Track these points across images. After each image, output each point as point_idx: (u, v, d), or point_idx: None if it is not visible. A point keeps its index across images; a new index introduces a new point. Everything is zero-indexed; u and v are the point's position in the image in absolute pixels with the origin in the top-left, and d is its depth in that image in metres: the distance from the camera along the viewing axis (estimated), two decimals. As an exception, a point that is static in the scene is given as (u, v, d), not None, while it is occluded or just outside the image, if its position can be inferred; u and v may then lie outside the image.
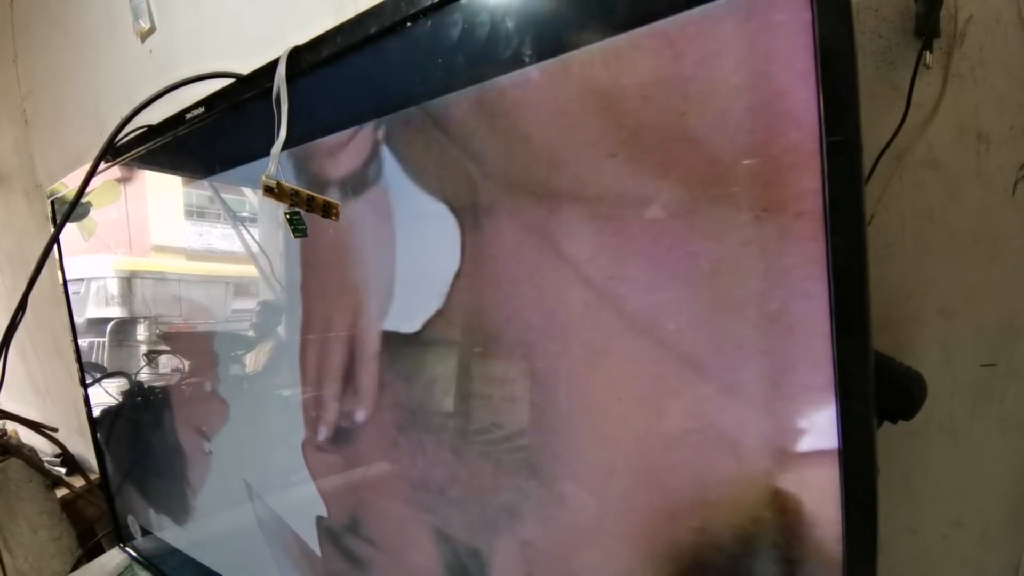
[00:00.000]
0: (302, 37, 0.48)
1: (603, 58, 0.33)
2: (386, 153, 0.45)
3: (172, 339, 0.80)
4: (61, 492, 1.25)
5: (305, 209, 0.46)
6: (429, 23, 0.40)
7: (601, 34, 0.32)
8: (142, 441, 0.91)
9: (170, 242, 0.77)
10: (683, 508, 0.33)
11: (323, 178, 0.50)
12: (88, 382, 0.99)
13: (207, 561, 0.81)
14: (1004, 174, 0.41)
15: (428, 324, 0.44)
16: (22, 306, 0.59)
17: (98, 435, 1.02)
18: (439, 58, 0.40)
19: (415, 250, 0.45)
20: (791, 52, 0.27)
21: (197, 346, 0.74)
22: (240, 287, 0.67)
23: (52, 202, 0.93)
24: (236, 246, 0.64)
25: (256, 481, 0.68)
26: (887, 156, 0.43)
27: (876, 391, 0.27)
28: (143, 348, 0.87)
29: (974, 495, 0.46)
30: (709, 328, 0.31)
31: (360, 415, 0.51)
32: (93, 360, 0.98)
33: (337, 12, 0.68)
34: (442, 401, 0.44)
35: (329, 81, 0.48)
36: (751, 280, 0.29)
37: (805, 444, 0.29)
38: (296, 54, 0.48)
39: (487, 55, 0.37)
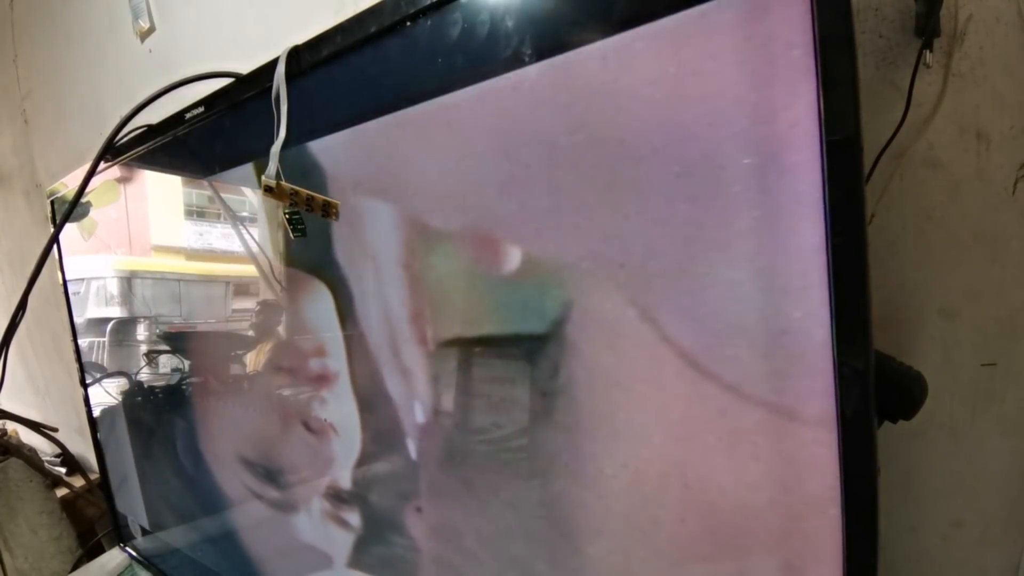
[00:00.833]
0: (302, 37, 0.48)
1: (603, 57, 0.33)
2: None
3: (182, 339, 0.80)
4: (61, 492, 1.25)
5: (305, 209, 0.46)
6: (429, 23, 0.40)
7: (600, 33, 0.32)
8: (142, 439, 0.91)
9: (170, 242, 0.77)
10: (687, 511, 0.33)
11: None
12: (88, 382, 0.99)
13: (207, 561, 0.81)
14: (1004, 173, 0.41)
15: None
16: (22, 306, 0.59)
17: (98, 435, 1.02)
18: (439, 58, 0.40)
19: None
20: (791, 51, 0.27)
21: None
22: (240, 286, 0.67)
23: (52, 202, 0.93)
24: (236, 246, 0.64)
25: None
26: (887, 155, 0.43)
27: (876, 391, 0.27)
28: (143, 348, 0.87)
29: (974, 495, 0.46)
30: (705, 325, 0.31)
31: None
32: (93, 360, 0.98)
33: (337, 12, 0.68)
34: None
35: (329, 81, 0.48)
36: (751, 282, 0.29)
37: (805, 443, 0.29)
38: (296, 54, 0.48)
39: (487, 54, 0.37)
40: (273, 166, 0.45)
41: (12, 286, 1.65)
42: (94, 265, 0.94)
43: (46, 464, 1.27)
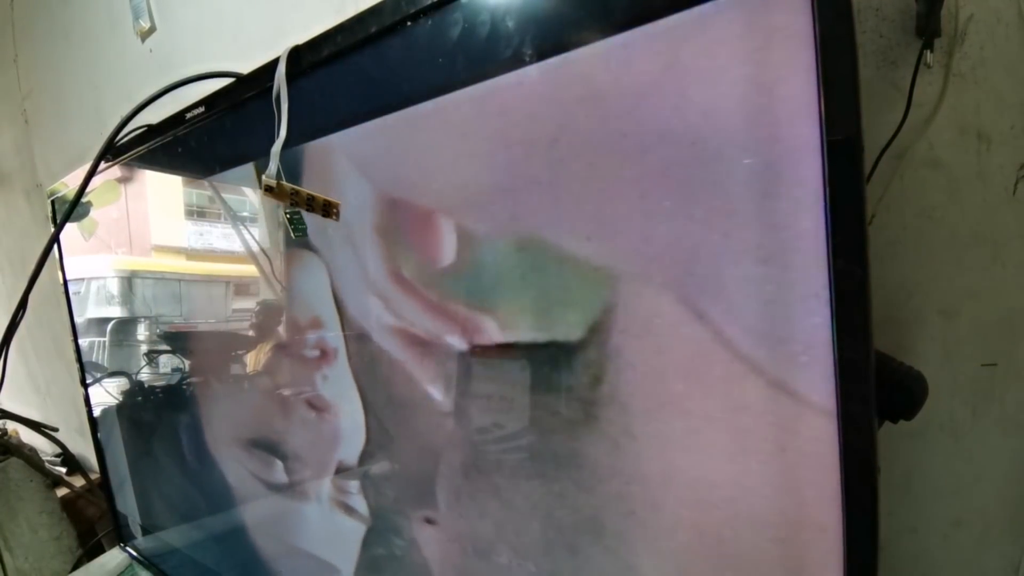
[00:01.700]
0: (302, 36, 0.48)
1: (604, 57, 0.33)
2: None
3: (183, 338, 0.80)
4: (61, 492, 1.25)
5: (305, 208, 0.46)
6: (429, 22, 0.40)
7: (602, 33, 0.32)
8: (142, 439, 0.91)
9: (170, 242, 0.77)
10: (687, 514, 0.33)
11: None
12: (88, 382, 0.99)
13: (207, 561, 0.81)
14: (1005, 173, 0.41)
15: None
16: (22, 305, 0.59)
17: (98, 435, 1.02)
18: (440, 57, 0.40)
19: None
20: (792, 51, 0.27)
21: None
22: (240, 286, 0.67)
23: (52, 202, 0.93)
24: (236, 245, 0.64)
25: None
26: (888, 155, 0.43)
27: (877, 391, 0.27)
28: (143, 347, 0.87)
29: (975, 495, 0.46)
30: (706, 325, 0.31)
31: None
32: (93, 360, 0.98)
33: (337, 11, 0.68)
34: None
35: (329, 80, 0.48)
36: (752, 282, 0.29)
37: (806, 443, 0.29)
38: (296, 53, 0.48)
39: (488, 54, 0.37)
40: (274, 166, 0.45)
41: (13, 286, 1.65)
42: (94, 265, 0.94)
43: (46, 464, 1.27)
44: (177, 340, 0.79)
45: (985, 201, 0.42)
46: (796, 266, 0.28)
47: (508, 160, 0.38)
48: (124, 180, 0.81)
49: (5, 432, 1.31)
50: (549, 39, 0.35)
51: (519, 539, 0.42)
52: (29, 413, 1.37)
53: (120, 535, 1.04)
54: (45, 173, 1.39)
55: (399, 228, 0.46)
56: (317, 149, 0.50)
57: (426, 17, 0.40)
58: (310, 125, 0.50)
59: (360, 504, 0.55)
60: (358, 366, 0.52)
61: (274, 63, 0.49)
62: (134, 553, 0.99)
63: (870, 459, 0.27)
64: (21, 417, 1.27)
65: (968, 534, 0.46)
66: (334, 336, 0.53)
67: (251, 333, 0.65)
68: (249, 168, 0.58)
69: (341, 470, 0.56)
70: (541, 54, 0.35)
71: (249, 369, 0.67)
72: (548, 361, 0.38)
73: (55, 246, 0.68)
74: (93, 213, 0.90)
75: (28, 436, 1.36)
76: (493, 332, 0.40)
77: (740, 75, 0.28)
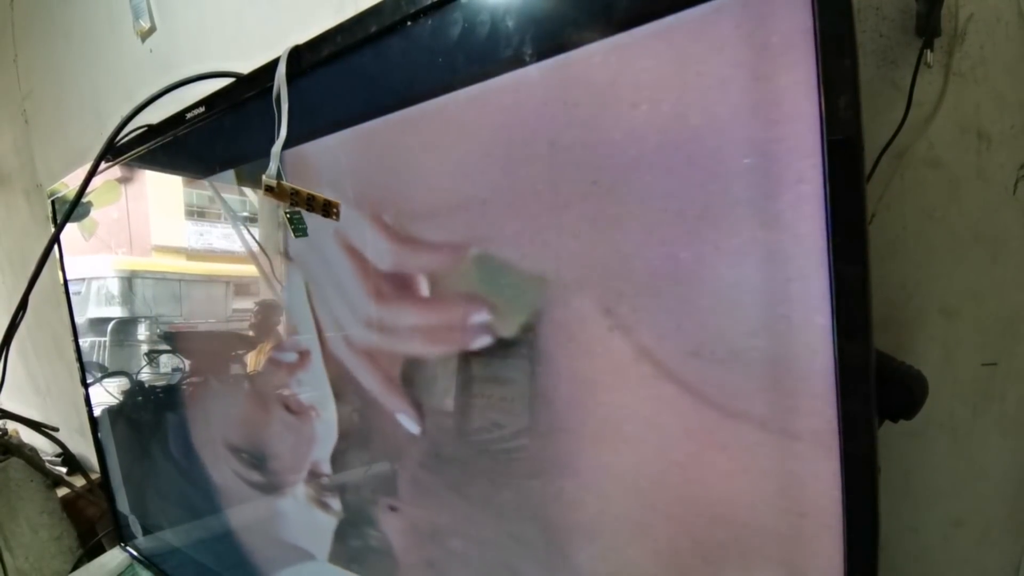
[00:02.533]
0: (302, 36, 0.48)
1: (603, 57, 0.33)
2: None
3: (178, 338, 0.80)
4: (62, 491, 1.25)
5: (305, 208, 0.46)
6: (429, 22, 0.40)
7: (602, 32, 0.32)
8: (142, 438, 0.91)
9: (171, 242, 0.77)
10: (685, 516, 0.33)
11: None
12: (89, 382, 0.99)
13: (208, 561, 0.81)
14: (1005, 173, 0.41)
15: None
16: (23, 306, 0.60)
17: (99, 434, 1.02)
18: (440, 57, 0.40)
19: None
20: (792, 51, 0.27)
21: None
22: (240, 286, 0.67)
23: (53, 202, 0.93)
24: (237, 245, 0.64)
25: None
26: (888, 155, 0.43)
27: (877, 390, 0.27)
28: (144, 347, 0.87)
29: (975, 494, 0.46)
30: (706, 326, 0.31)
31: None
32: (94, 360, 0.98)
33: (337, 11, 0.68)
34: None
35: (329, 80, 0.48)
36: (751, 280, 0.29)
37: (806, 443, 0.29)
38: (296, 53, 0.48)
39: (488, 54, 0.37)
40: (274, 166, 0.45)
41: (13, 286, 1.65)
42: (95, 265, 0.94)
43: (47, 464, 1.27)
44: (177, 340, 0.79)
45: (985, 200, 0.42)
46: (797, 265, 0.28)
47: (462, 174, 0.41)
48: (124, 180, 0.81)
49: (5, 432, 1.31)
50: (548, 39, 0.35)
51: (468, 524, 0.45)
52: (29, 413, 1.37)
53: (120, 535, 1.04)
54: (45, 173, 1.39)
55: (364, 237, 0.48)
56: (292, 156, 0.51)
57: (426, 17, 0.40)
58: (310, 125, 0.50)
59: (332, 498, 0.58)
60: (332, 369, 0.54)
61: (274, 63, 0.49)
62: (134, 553, 1.00)
63: (870, 458, 0.27)
64: (21, 417, 1.27)
65: (968, 533, 0.46)
66: (310, 340, 0.56)
67: (248, 334, 0.65)
68: (249, 168, 0.58)
69: (315, 469, 0.59)
70: (541, 54, 0.35)
71: (235, 370, 0.67)
72: (493, 360, 0.41)
73: (55, 246, 0.68)
74: (93, 213, 0.90)
75: (28, 436, 1.36)
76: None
77: (739, 74, 0.28)
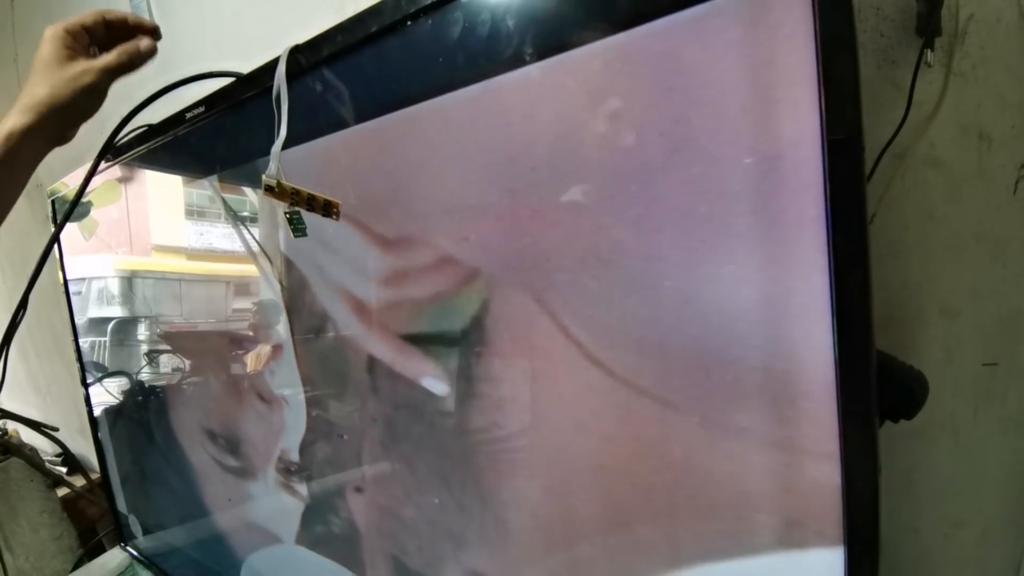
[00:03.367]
0: (302, 36, 0.48)
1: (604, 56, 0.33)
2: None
3: (171, 338, 0.80)
4: (62, 491, 1.25)
5: (306, 208, 0.46)
6: (430, 22, 0.40)
7: (602, 33, 0.32)
8: (142, 438, 0.91)
9: (171, 241, 0.77)
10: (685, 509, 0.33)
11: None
12: (89, 381, 0.99)
13: (208, 560, 0.81)
14: (1006, 173, 0.41)
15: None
16: (23, 305, 0.59)
17: (99, 434, 1.02)
18: (440, 57, 0.40)
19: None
20: (793, 51, 0.27)
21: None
22: (240, 286, 0.67)
23: (53, 202, 0.93)
24: (237, 245, 0.64)
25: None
26: (889, 155, 0.43)
27: (878, 390, 0.27)
28: (144, 347, 0.87)
29: (975, 495, 0.46)
30: (711, 330, 0.31)
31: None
32: (94, 359, 0.98)
33: (337, 11, 0.68)
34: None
35: (329, 80, 0.48)
36: (753, 281, 0.29)
37: (807, 443, 0.29)
38: (296, 53, 0.48)
39: (488, 54, 0.37)
40: (274, 165, 0.45)
41: (13, 286, 1.65)
42: (95, 265, 0.94)
43: (47, 463, 1.27)
44: (177, 340, 0.79)
45: (986, 200, 0.42)
46: (797, 265, 0.28)
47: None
48: (124, 180, 0.81)
49: (5, 432, 1.31)
50: (548, 39, 0.35)
51: (422, 496, 0.48)
52: (29, 413, 1.37)
53: (121, 535, 1.04)
54: (45, 173, 1.38)
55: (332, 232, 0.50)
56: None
57: (426, 16, 0.40)
58: (311, 125, 0.50)
59: (300, 484, 0.61)
60: (303, 361, 0.58)
61: (274, 63, 0.49)
62: (134, 553, 1.00)
63: (871, 458, 0.27)
64: (22, 417, 1.27)
65: (969, 534, 0.46)
66: (283, 334, 0.60)
67: (244, 333, 0.65)
68: (249, 168, 0.58)
69: (284, 456, 0.62)
70: (542, 53, 0.35)
71: (215, 364, 0.68)
72: (444, 347, 0.44)
73: (55, 246, 0.68)
74: (93, 213, 0.90)
75: (29, 436, 1.36)
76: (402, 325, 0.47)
77: (739, 74, 0.28)
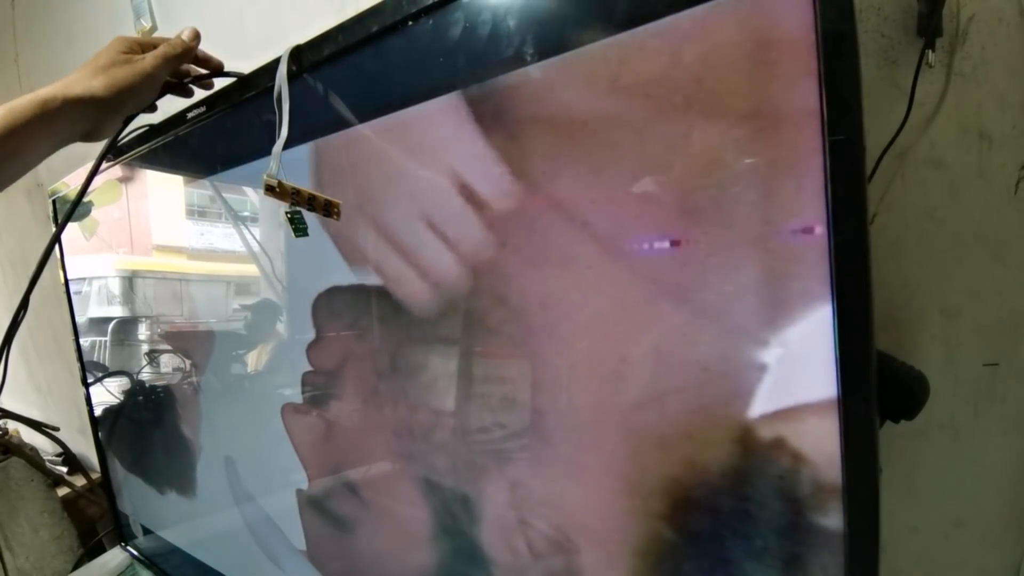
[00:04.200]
0: (303, 36, 0.48)
1: (605, 56, 0.33)
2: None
3: (182, 338, 0.80)
4: (62, 491, 1.25)
5: (306, 208, 0.46)
6: (431, 22, 0.40)
7: (602, 32, 0.32)
8: (143, 438, 0.92)
9: (172, 241, 0.77)
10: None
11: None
12: (90, 381, 1.00)
13: (208, 560, 0.81)
14: (1006, 173, 0.41)
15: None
16: (24, 306, 0.60)
17: (99, 434, 1.02)
18: (441, 57, 0.40)
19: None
20: (793, 51, 0.27)
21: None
22: (241, 286, 0.67)
23: (54, 201, 0.93)
24: (238, 245, 0.64)
25: (239, 457, 0.69)
26: (889, 155, 0.43)
27: (878, 390, 0.27)
28: (144, 347, 0.87)
29: (976, 495, 0.46)
30: (713, 339, 0.31)
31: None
32: (95, 359, 0.98)
33: (338, 11, 0.68)
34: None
35: (330, 80, 0.48)
36: (753, 281, 0.29)
37: (807, 443, 0.29)
38: (297, 53, 0.48)
39: (489, 54, 0.37)
40: (275, 165, 0.45)
41: (14, 285, 1.66)
42: (96, 264, 0.94)
43: (47, 463, 1.27)
44: (177, 339, 0.79)
45: (987, 201, 0.42)
46: (797, 266, 0.28)
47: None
48: (125, 180, 0.81)
49: (6, 431, 1.31)
50: (549, 38, 0.35)
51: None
52: (30, 412, 1.38)
53: (121, 534, 1.04)
54: (46, 172, 1.39)
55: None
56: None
57: (427, 16, 0.40)
58: (311, 125, 0.50)
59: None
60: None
61: (275, 63, 0.49)
62: (135, 552, 1.00)
63: (872, 458, 0.27)
64: (22, 417, 1.28)
65: (969, 534, 0.46)
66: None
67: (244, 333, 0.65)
68: (250, 168, 0.58)
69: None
70: (543, 53, 0.35)
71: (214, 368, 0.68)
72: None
73: (55, 246, 0.68)
74: (94, 213, 0.90)
75: (29, 435, 1.36)
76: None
77: (740, 74, 0.28)
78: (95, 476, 1.28)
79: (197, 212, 0.70)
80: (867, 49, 0.43)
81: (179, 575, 0.88)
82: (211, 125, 0.61)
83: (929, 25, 0.41)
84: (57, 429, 1.32)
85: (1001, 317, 0.43)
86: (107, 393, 0.96)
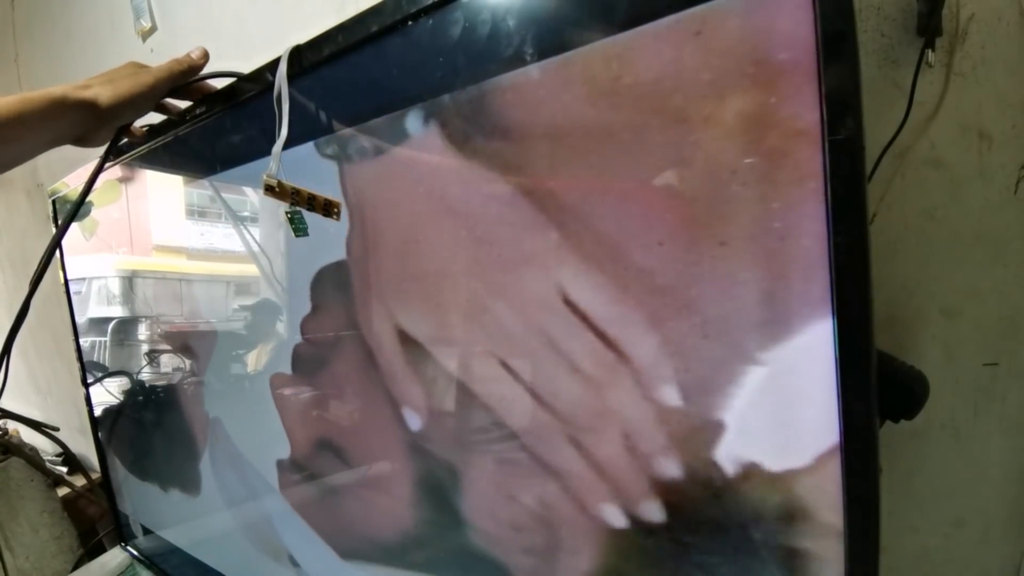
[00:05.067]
0: (303, 36, 0.48)
1: (604, 56, 0.33)
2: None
3: (182, 337, 0.80)
4: (62, 491, 1.25)
5: (306, 208, 0.46)
6: (431, 22, 0.40)
7: (602, 32, 0.32)
8: (143, 438, 0.92)
9: (171, 241, 0.77)
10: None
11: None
12: (89, 381, 0.99)
13: (209, 560, 0.81)
14: (1006, 173, 0.41)
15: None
16: (25, 309, 0.60)
17: (99, 434, 1.02)
18: (441, 57, 0.40)
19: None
20: (793, 50, 0.27)
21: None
22: (241, 286, 0.67)
23: (54, 202, 0.93)
24: (237, 245, 0.64)
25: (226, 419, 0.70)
26: (889, 154, 0.43)
27: (878, 390, 0.27)
28: (144, 347, 0.87)
29: (976, 494, 0.46)
30: (716, 328, 0.31)
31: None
32: (95, 359, 0.98)
33: (338, 11, 0.68)
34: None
35: (330, 80, 0.48)
36: (754, 280, 0.29)
37: (808, 443, 0.29)
38: (297, 53, 0.48)
39: (489, 54, 0.37)
40: (275, 165, 0.45)
41: (14, 285, 1.66)
42: (96, 264, 0.94)
43: (47, 463, 1.27)
44: (177, 339, 0.79)
45: (986, 200, 0.42)
46: (797, 266, 0.28)
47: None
48: (125, 180, 0.81)
49: (6, 432, 1.31)
50: (550, 38, 0.35)
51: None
52: (30, 413, 1.37)
53: (121, 534, 1.04)
54: (46, 173, 1.39)
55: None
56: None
57: (427, 16, 0.40)
58: (311, 125, 0.50)
59: None
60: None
61: (275, 63, 0.49)
62: (135, 552, 1.00)
63: (872, 458, 0.27)
64: (22, 417, 1.28)
65: (969, 533, 0.46)
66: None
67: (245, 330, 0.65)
68: (250, 167, 0.58)
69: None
70: (543, 53, 0.35)
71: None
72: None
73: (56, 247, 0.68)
74: (94, 213, 0.90)
75: (29, 436, 1.36)
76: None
77: (740, 74, 0.28)
78: (95, 476, 1.28)
79: (197, 212, 0.70)
80: (867, 49, 0.43)
81: (179, 575, 0.88)
82: (211, 125, 0.61)
83: (929, 25, 0.41)
84: (57, 429, 1.32)
85: (1001, 317, 0.43)
86: (107, 393, 0.96)
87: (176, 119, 0.61)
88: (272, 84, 0.48)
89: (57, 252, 0.96)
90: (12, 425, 1.36)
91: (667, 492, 0.34)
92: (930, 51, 0.41)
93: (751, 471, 0.31)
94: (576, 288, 0.36)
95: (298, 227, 0.48)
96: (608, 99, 0.33)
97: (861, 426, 0.27)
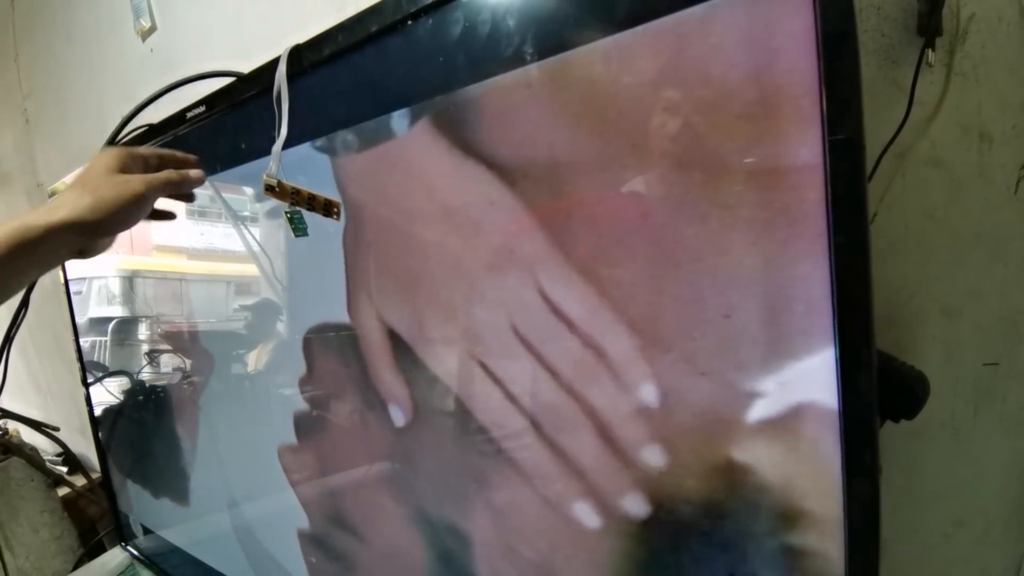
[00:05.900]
0: (303, 36, 0.48)
1: (604, 55, 0.33)
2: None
3: (182, 337, 0.80)
4: (63, 491, 1.25)
5: (306, 208, 0.46)
6: (430, 21, 0.40)
7: (602, 32, 0.32)
8: (143, 438, 0.92)
9: (172, 241, 0.77)
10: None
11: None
12: (90, 381, 1.00)
13: (209, 560, 0.81)
14: (1007, 173, 0.41)
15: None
16: (24, 306, 0.60)
17: (99, 434, 1.02)
18: (440, 56, 0.40)
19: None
20: (793, 50, 0.27)
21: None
22: (241, 286, 0.67)
23: (53, 201, 0.93)
24: (237, 245, 0.64)
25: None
26: (889, 154, 0.43)
27: (878, 390, 0.27)
28: (144, 347, 0.87)
29: (976, 495, 0.46)
30: (714, 327, 0.31)
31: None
32: (95, 359, 0.98)
33: (338, 11, 0.68)
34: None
35: (330, 80, 0.48)
36: (753, 280, 0.29)
37: (808, 443, 0.29)
38: (297, 53, 0.48)
39: (489, 53, 0.37)
40: (275, 165, 0.45)
41: (13, 285, 1.65)
42: (96, 264, 0.94)
43: (47, 463, 1.27)
44: (177, 339, 0.79)
45: (987, 200, 0.42)
46: (797, 266, 0.28)
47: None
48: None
49: (6, 431, 1.31)
50: (550, 38, 0.35)
51: None
52: (30, 412, 1.37)
53: (121, 534, 1.04)
54: (46, 173, 1.39)
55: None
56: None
57: (427, 16, 0.40)
58: (311, 124, 0.50)
59: None
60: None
61: (275, 62, 0.49)
62: (135, 552, 1.00)
63: (872, 458, 0.27)
64: (22, 416, 1.28)
65: (969, 534, 0.46)
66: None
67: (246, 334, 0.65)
68: (250, 167, 0.58)
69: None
70: (543, 53, 0.35)
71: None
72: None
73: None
74: (94, 213, 0.90)
75: (29, 435, 1.36)
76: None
77: (740, 73, 0.28)
78: (95, 476, 1.28)
79: (197, 212, 0.70)
80: (867, 49, 0.43)
81: (179, 575, 0.88)
82: (211, 125, 0.61)
83: (929, 24, 0.41)
84: (57, 429, 1.32)
85: (1001, 317, 0.43)
86: (107, 393, 0.96)
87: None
88: (272, 84, 0.48)
89: (57, 252, 0.96)
90: (12, 425, 1.36)
91: (663, 491, 0.34)
92: (930, 51, 0.41)
93: (751, 471, 0.31)
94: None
95: (298, 227, 0.48)
96: (604, 99, 0.33)
97: (862, 426, 0.27)
